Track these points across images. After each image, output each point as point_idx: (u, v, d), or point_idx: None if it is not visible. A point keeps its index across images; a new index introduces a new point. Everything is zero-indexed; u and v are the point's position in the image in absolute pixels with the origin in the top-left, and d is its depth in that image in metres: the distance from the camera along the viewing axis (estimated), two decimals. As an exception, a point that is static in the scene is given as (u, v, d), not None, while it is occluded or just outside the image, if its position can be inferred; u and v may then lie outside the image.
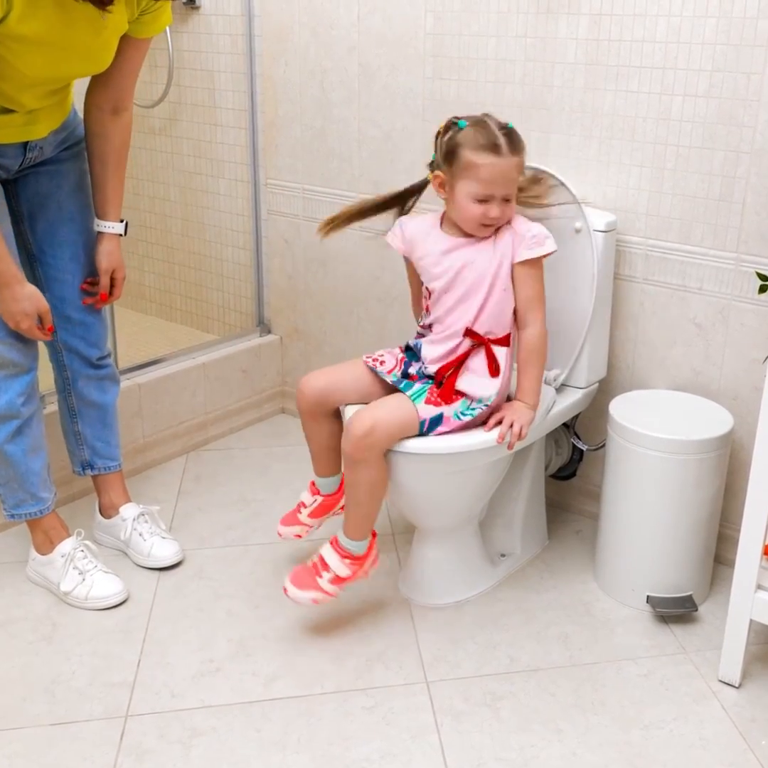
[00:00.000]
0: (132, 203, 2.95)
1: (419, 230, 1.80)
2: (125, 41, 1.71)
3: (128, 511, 2.07)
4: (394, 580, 2.01)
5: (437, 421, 1.73)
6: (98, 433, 2.05)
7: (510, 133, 1.68)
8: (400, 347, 1.89)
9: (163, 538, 2.05)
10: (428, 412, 1.72)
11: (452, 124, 1.70)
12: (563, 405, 1.96)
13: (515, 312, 1.77)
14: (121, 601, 1.91)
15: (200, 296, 2.99)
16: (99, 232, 1.90)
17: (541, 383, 1.80)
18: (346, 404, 1.83)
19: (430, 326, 1.82)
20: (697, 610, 1.88)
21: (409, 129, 2.29)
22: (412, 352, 1.85)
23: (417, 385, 1.77)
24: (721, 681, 1.72)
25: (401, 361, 1.85)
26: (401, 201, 1.87)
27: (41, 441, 1.90)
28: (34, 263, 1.90)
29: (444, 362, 1.77)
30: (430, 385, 1.77)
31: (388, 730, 1.59)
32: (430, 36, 2.19)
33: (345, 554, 1.78)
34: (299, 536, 2.00)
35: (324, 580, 1.76)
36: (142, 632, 1.83)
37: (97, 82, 1.78)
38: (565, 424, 2.11)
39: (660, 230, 1.98)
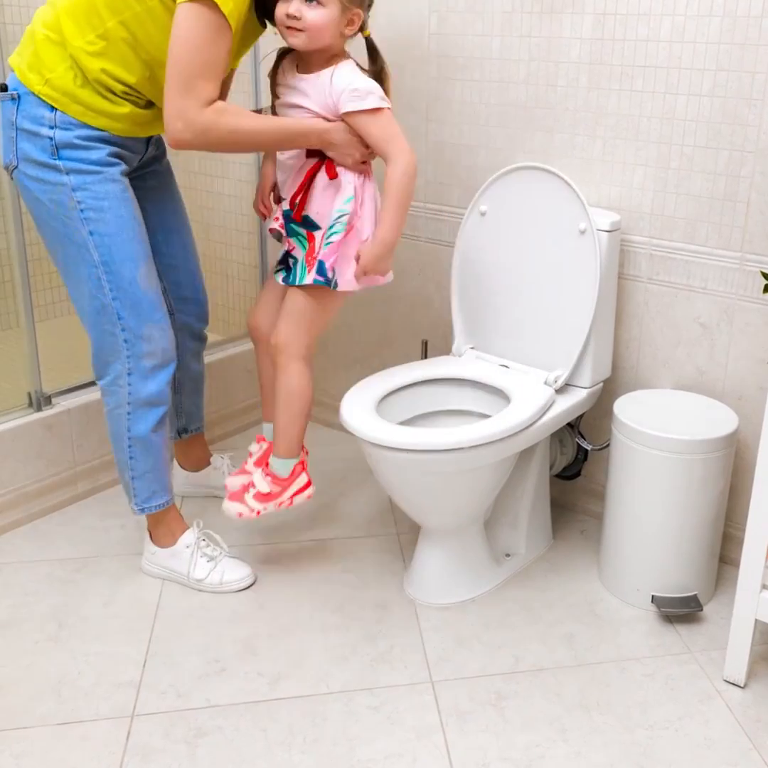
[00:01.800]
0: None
1: (289, 59, 1.83)
2: None
3: (218, 460, 2.31)
4: (399, 579, 2.01)
5: (322, 268, 1.79)
6: (194, 400, 2.23)
7: None
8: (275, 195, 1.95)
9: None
10: (313, 275, 1.80)
11: None
12: (568, 405, 1.96)
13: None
14: (252, 582, 1.97)
15: (205, 296, 2.99)
16: None
17: (401, 217, 1.77)
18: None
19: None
20: (702, 609, 1.88)
21: (414, 129, 2.28)
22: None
23: (298, 267, 1.85)
24: (726, 681, 1.72)
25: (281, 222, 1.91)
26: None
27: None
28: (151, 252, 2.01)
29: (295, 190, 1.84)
30: (305, 251, 1.84)
31: (393, 729, 1.60)
32: (434, 36, 2.19)
33: (267, 472, 1.88)
34: (245, 487, 1.95)
35: (249, 496, 1.90)
36: (147, 632, 1.84)
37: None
38: (569, 424, 2.11)
39: (664, 230, 1.98)
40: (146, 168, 1.93)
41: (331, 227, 1.79)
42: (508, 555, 2.07)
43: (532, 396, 1.89)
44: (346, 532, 2.20)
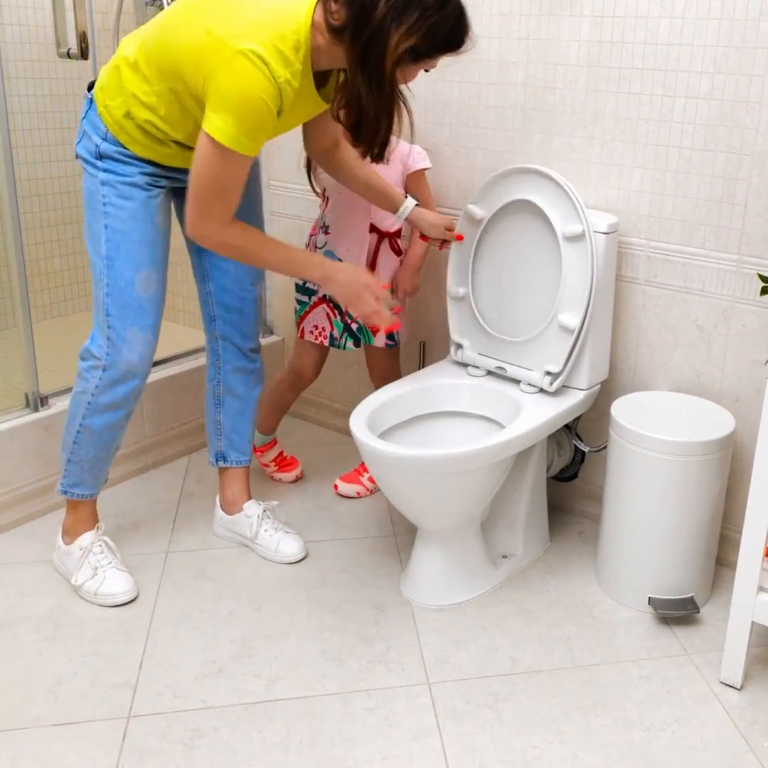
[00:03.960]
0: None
1: None
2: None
3: (252, 508, 2.12)
4: (396, 581, 2.01)
5: (392, 335, 2.23)
6: (236, 426, 2.12)
7: None
8: (326, 303, 2.23)
9: (287, 532, 2.11)
10: (384, 339, 2.23)
11: None
12: (565, 407, 1.96)
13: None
14: (129, 599, 1.92)
15: (203, 297, 2.98)
16: (411, 215, 2.07)
17: (424, 257, 2.21)
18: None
19: (326, 229, 2.19)
20: (698, 611, 1.89)
21: (411, 131, 2.29)
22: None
23: (359, 330, 2.23)
24: (722, 683, 1.72)
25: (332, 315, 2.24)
26: None
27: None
28: (201, 252, 1.97)
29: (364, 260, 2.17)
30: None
31: (389, 731, 1.60)
32: (432, 38, 2.19)
33: None
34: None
35: (365, 478, 2.35)
36: (144, 633, 1.84)
37: (315, 132, 1.93)
38: (566, 426, 2.11)
39: (662, 232, 1.99)
40: None
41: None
42: (505, 557, 2.07)
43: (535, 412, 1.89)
44: (342, 533, 2.20)
